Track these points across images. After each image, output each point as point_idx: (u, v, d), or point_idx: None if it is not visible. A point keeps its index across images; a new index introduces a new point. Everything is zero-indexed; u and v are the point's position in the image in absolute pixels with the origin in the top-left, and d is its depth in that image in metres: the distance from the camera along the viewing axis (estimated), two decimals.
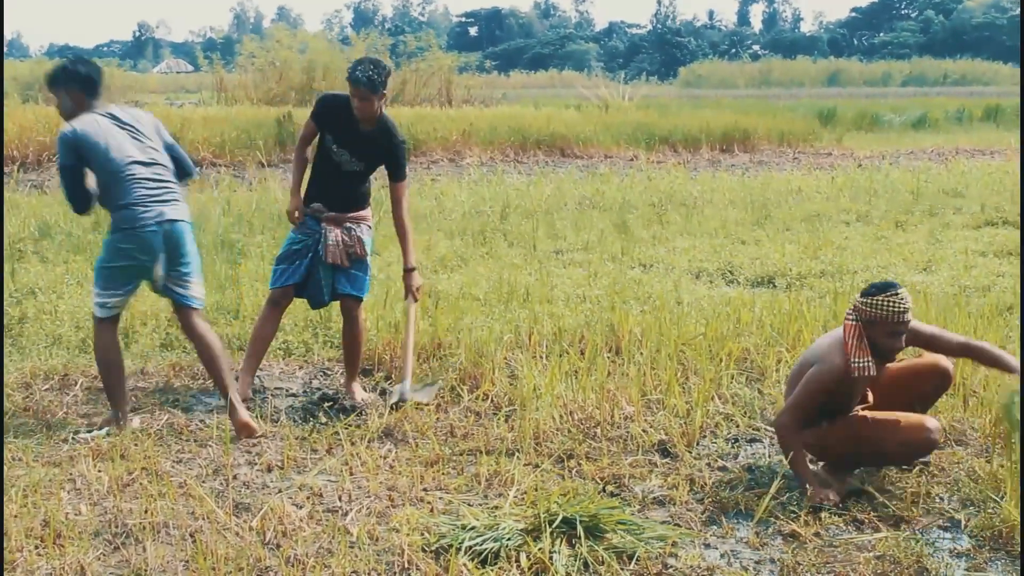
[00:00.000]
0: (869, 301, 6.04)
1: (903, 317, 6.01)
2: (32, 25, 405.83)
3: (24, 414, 7.34)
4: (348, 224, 7.79)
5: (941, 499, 6.05)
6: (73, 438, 6.87)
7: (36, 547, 5.24)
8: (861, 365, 6.06)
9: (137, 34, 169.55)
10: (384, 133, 7.75)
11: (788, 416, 6.19)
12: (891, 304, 5.99)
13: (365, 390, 8.02)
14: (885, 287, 6.05)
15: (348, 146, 7.66)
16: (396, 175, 7.91)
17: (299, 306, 8.87)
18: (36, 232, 13.48)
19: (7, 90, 43.56)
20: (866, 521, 5.78)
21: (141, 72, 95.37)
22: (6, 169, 21.88)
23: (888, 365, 6.35)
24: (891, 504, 5.92)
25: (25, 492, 5.84)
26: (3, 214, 13.62)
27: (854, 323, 6.10)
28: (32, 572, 5.02)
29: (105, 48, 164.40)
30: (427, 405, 7.59)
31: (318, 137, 7.79)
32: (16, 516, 5.51)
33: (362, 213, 7.92)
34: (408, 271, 8.03)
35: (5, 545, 5.20)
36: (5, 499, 5.72)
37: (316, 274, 7.76)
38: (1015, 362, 6.17)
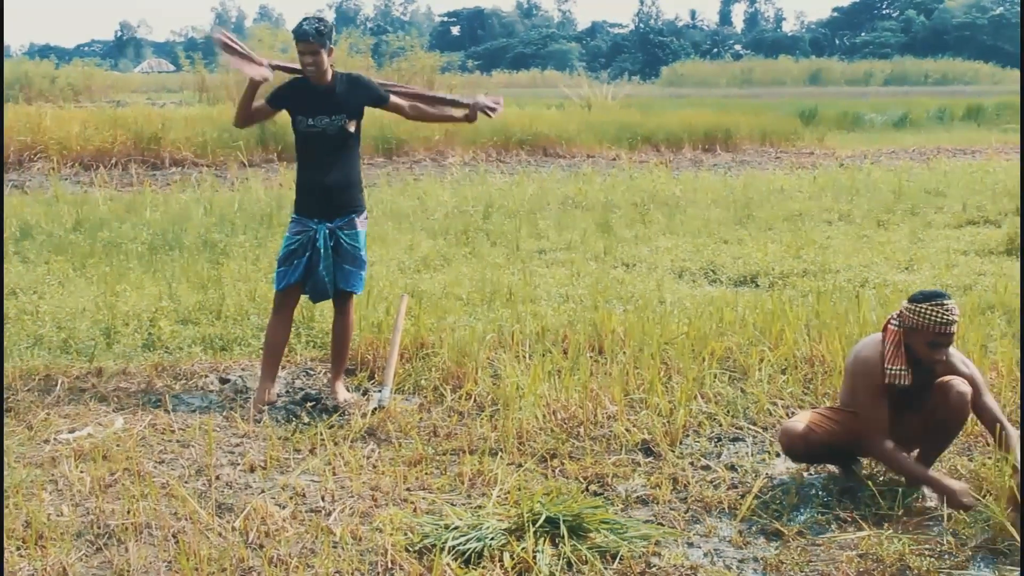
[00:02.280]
0: (913, 308, 5.92)
1: (946, 329, 5.88)
2: (13, 24, 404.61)
3: (5, 415, 7.31)
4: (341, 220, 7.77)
5: (923, 497, 6.06)
6: (55, 439, 6.85)
7: (18, 548, 5.22)
8: (895, 372, 5.96)
9: (119, 34, 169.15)
10: (351, 81, 7.79)
11: (869, 434, 6.04)
12: (935, 313, 5.86)
13: (348, 390, 8.00)
14: (933, 295, 5.93)
15: (320, 109, 7.63)
16: (382, 100, 7.94)
17: None
18: (17, 232, 13.45)
19: None
20: (849, 519, 5.79)
21: (123, 72, 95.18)
22: None
23: None
24: (873, 503, 5.94)
25: (7, 493, 5.82)
26: (3, 214, 13.58)
27: (896, 329, 6.00)
28: (14, 573, 5.00)
29: (86, 48, 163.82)
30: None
31: (294, 134, 7.76)
32: None
33: (358, 200, 7.88)
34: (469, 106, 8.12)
35: None
36: None
37: (317, 269, 7.72)
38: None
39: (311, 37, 7.48)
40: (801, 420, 6.28)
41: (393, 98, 7.99)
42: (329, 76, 7.65)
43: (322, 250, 7.68)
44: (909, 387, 6.00)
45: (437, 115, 8.29)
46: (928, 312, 5.87)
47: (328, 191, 7.71)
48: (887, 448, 5.98)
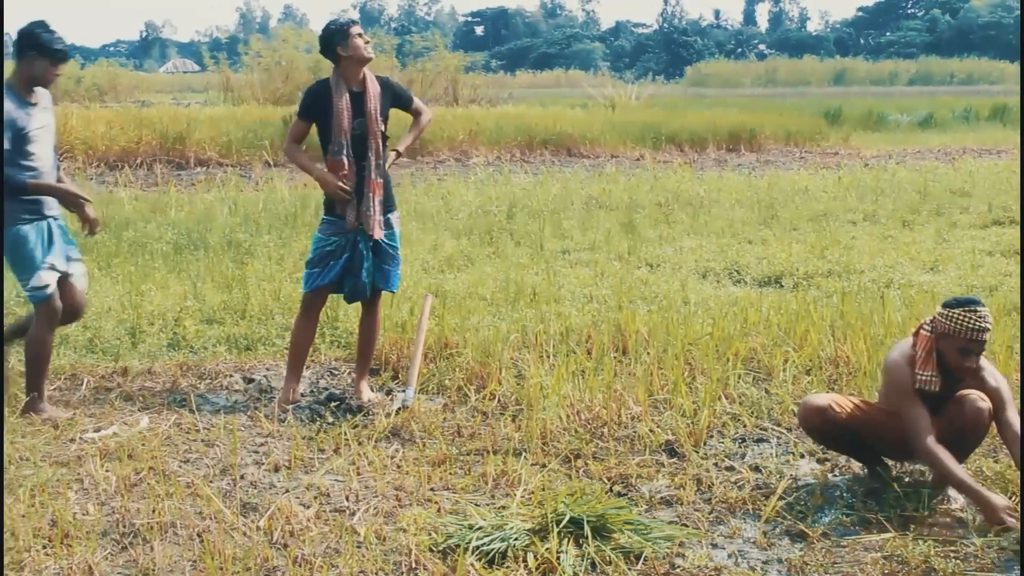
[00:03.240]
0: (946, 313, 5.87)
1: (978, 336, 5.82)
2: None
3: (32, 414, 7.34)
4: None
5: (948, 499, 6.04)
6: (81, 438, 6.87)
7: (44, 547, 5.25)
8: (924, 378, 5.91)
9: (143, 34, 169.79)
10: (381, 83, 7.81)
11: (912, 437, 5.92)
12: (967, 319, 5.80)
13: (372, 390, 8.01)
14: (966, 302, 5.87)
15: (354, 111, 7.64)
16: (409, 103, 8.03)
17: None
18: None
19: None
20: (873, 521, 5.77)
21: (147, 72, 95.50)
22: None
23: None
24: (899, 504, 5.92)
25: (33, 492, 5.84)
26: (2, 212, 13.58)
27: (928, 334, 5.95)
28: (40, 572, 5.02)
29: (111, 48, 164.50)
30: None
31: (321, 138, 7.74)
32: (24, 516, 5.51)
33: (393, 200, 7.89)
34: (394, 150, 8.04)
35: (13, 545, 5.20)
36: (13, 499, 5.73)
37: (359, 271, 7.70)
38: None
39: (358, 21, 7.69)
40: (824, 396, 6.27)
41: (416, 103, 8.06)
42: (362, 76, 7.67)
43: (364, 251, 7.68)
44: (937, 393, 5.95)
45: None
46: (961, 318, 5.82)
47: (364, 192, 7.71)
48: (932, 450, 5.83)
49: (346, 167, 7.59)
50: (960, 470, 5.82)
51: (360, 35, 7.61)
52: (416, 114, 8.08)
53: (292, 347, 7.91)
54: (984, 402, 5.91)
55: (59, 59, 7.29)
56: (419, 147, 26.31)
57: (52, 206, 7.34)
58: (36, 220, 7.22)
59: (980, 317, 5.81)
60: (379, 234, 7.70)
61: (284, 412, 7.47)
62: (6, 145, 7.03)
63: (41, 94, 7.39)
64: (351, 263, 7.67)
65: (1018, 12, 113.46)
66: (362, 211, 7.64)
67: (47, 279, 7.23)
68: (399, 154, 7.93)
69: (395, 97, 7.88)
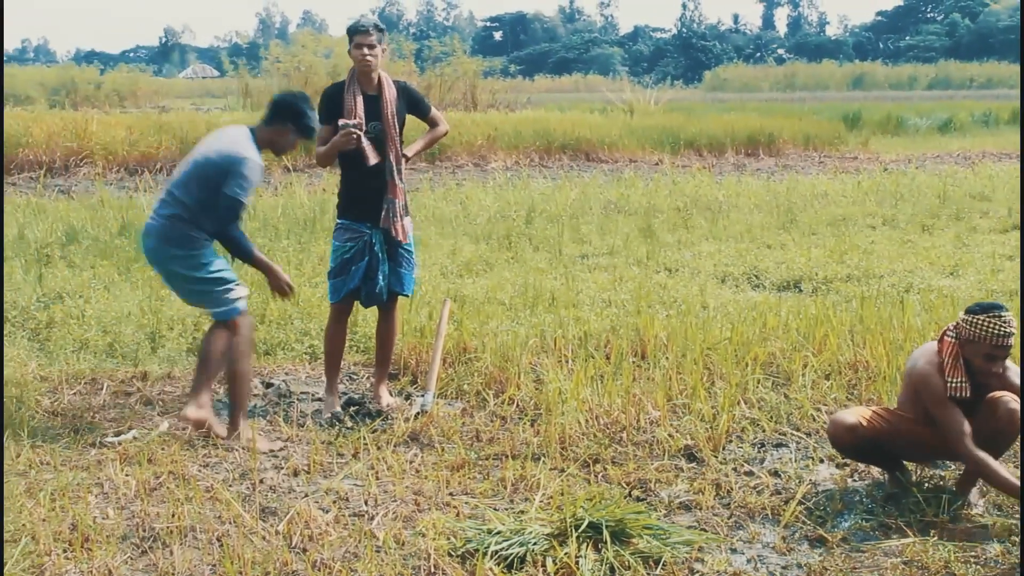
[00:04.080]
0: (971, 319, 5.84)
1: (1004, 341, 5.80)
2: (59, 31, 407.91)
3: (52, 418, 7.38)
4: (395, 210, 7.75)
5: (969, 504, 6.02)
6: (101, 442, 6.90)
7: (64, 551, 5.26)
8: (955, 385, 5.87)
9: (163, 40, 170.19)
10: (401, 89, 7.80)
11: (955, 443, 5.88)
12: (992, 325, 5.77)
13: (391, 394, 8.02)
14: (990, 307, 5.84)
15: (370, 114, 7.62)
16: (427, 111, 8.01)
17: (324, 311, 8.87)
18: (63, 237, 13.55)
19: (34, 95, 43.79)
20: (893, 526, 5.76)
21: (167, 77, 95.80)
22: (33, 174, 22.03)
23: None
24: (919, 509, 5.90)
25: (53, 496, 5.87)
26: (3, 214, 13.66)
27: (952, 340, 5.92)
28: (61, 575, 5.05)
29: (131, 54, 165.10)
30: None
31: None
32: (44, 520, 5.54)
33: (407, 204, 7.89)
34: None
35: (34, 549, 5.22)
36: (34, 503, 5.75)
37: (376, 274, 7.72)
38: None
39: (371, 29, 7.58)
40: (852, 413, 6.23)
41: (433, 112, 8.06)
42: (376, 80, 7.67)
43: (380, 254, 7.69)
44: (966, 399, 5.92)
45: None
46: (985, 324, 5.79)
47: (383, 195, 7.71)
48: (976, 454, 5.81)
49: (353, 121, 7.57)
50: (1005, 471, 5.81)
51: (360, 44, 7.57)
52: (432, 124, 8.07)
53: (327, 356, 7.90)
54: (1016, 402, 5.89)
55: (307, 137, 7.39)
56: (437, 152, 26.33)
57: None
58: (211, 240, 7.21)
59: (1005, 323, 5.79)
60: (404, 237, 7.72)
61: (331, 417, 7.54)
62: (246, 199, 7.09)
63: None
64: (370, 266, 7.68)
65: None
66: (387, 215, 7.66)
67: (244, 291, 7.27)
68: (407, 159, 7.89)
69: (412, 103, 7.87)
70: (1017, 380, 5.97)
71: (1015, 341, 5.95)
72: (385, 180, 7.68)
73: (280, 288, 7.32)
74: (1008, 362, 6.01)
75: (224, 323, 7.15)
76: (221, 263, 7.15)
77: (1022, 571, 5.23)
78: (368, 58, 7.56)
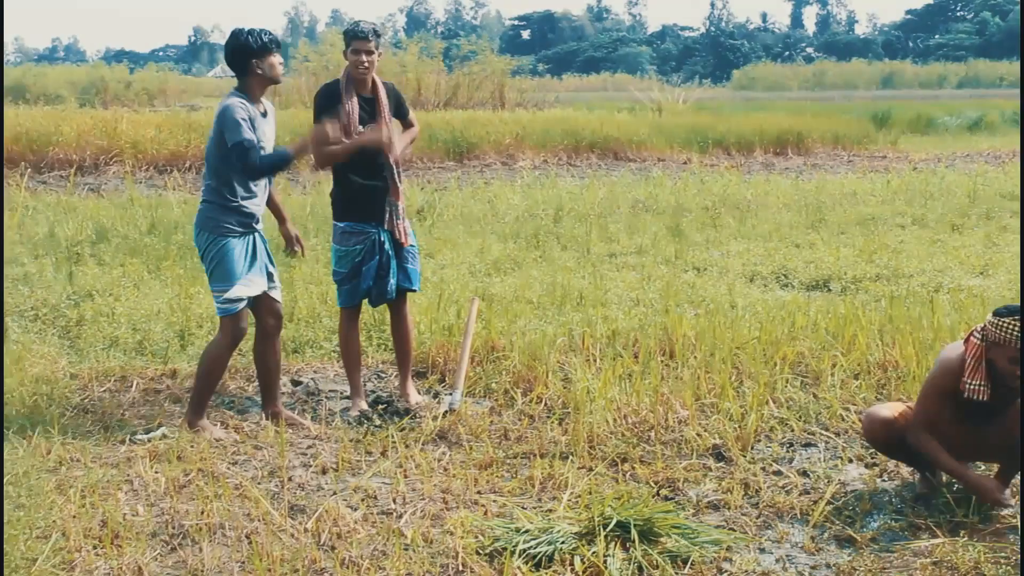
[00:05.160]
0: (996, 321, 5.72)
1: None
2: (89, 30, 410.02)
3: (82, 415, 7.41)
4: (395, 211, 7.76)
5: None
6: (131, 439, 6.93)
7: (94, 547, 5.29)
8: (972, 387, 5.80)
9: (192, 39, 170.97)
10: (388, 88, 7.83)
11: (914, 423, 5.99)
12: (1018, 328, 5.67)
13: (419, 392, 8.02)
14: (1018, 310, 5.71)
15: (370, 115, 7.63)
16: (405, 114, 7.98)
17: None
18: (93, 235, 13.61)
19: (65, 95, 44.03)
20: (923, 526, 5.74)
21: (196, 76, 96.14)
22: (63, 173, 22.13)
23: None
24: (948, 510, 5.88)
25: (83, 493, 5.90)
26: (2, 213, 13.71)
27: (978, 343, 5.81)
28: (91, 572, 5.07)
29: (161, 53, 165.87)
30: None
31: None
32: (75, 516, 5.56)
33: (403, 197, 7.89)
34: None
35: (64, 545, 5.25)
36: (65, 500, 5.78)
37: (387, 272, 7.72)
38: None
39: (369, 35, 7.59)
40: (887, 408, 6.21)
41: (411, 113, 8.09)
42: (370, 83, 7.69)
43: (390, 251, 7.69)
44: (988, 403, 5.85)
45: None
46: (1012, 327, 5.67)
47: (385, 194, 7.70)
48: (925, 439, 5.92)
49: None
50: (950, 459, 5.90)
51: (358, 50, 7.58)
52: (409, 124, 8.09)
53: (347, 361, 7.90)
54: None
55: (268, 50, 7.17)
56: (465, 150, 26.35)
57: (260, 219, 7.34)
58: (245, 233, 7.18)
59: None
60: (407, 240, 7.74)
61: (359, 415, 7.57)
62: (251, 136, 7.02)
63: (267, 105, 7.40)
64: (380, 266, 7.68)
65: None
66: (390, 218, 7.67)
67: (241, 293, 7.16)
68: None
69: (398, 104, 7.89)
70: None
71: None
72: (387, 181, 7.68)
73: (321, 138, 7.21)
74: None
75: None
76: (232, 259, 7.11)
77: (1022, 571, 5.20)
78: (366, 64, 7.60)
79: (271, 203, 7.58)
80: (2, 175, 19.09)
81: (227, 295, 7.13)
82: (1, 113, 20.94)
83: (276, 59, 7.20)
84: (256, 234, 7.28)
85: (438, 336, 8.89)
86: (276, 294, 7.47)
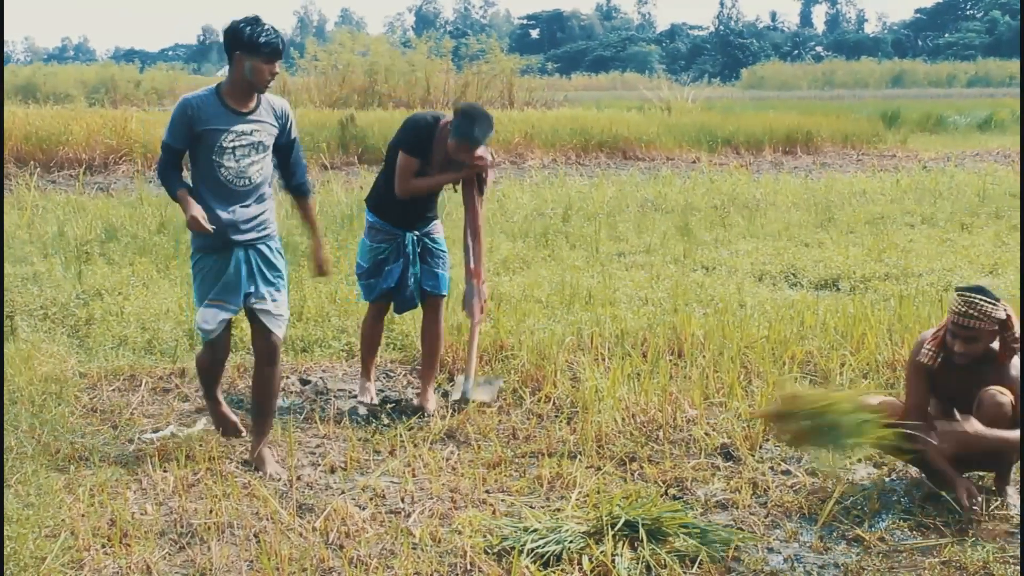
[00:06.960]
0: (954, 296, 5.97)
1: (960, 320, 5.85)
2: (98, 30, 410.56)
3: (91, 414, 7.42)
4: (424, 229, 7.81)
5: (1008, 504, 5.98)
6: (139, 438, 6.94)
7: (103, 546, 5.30)
8: (925, 351, 6.03)
9: (201, 38, 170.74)
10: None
11: (905, 407, 6.13)
12: (956, 304, 5.88)
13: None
14: (968, 289, 5.94)
15: (437, 168, 7.62)
16: (481, 189, 7.92)
17: (360, 309, 8.89)
18: (102, 234, 13.63)
19: (74, 94, 44.12)
20: (931, 526, 5.73)
21: (206, 75, 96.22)
22: (73, 172, 22.16)
23: None
24: (957, 509, 5.87)
25: (92, 492, 5.91)
26: (2, 212, 13.72)
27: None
28: (99, 571, 5.07)
29: (170, 52, 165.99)
30: (489, 405, 7.60)
31: (393, 151, 7.72)
32: (83, 515, 5.57)
33: (437, 224, 7.96)
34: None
35: (73, 544, 5.26)
36: (73, 499, 5.79)
37: (406, 279, 7.75)
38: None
39: (479, 144, 7.63)
40: (873, 398, 6.29)
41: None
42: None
43: (411, 255, 7.71)
44: (954, 384, 6.04)
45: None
46: (954, 303, 5.91)
47: (425, 203, 7.76)
48: (912, 429, 5.99)
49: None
50: (938, 455, 5.98)
51: (460, 148, 7.56)
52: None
53: (365, 343, 7.97)
54: (1004, 395, 5.91)
55: (260, 52, 6.23)
56: None
57: (250, 230, 6.45)
58: (220, 250, 6.39)
59: (968, 304, 5.84)
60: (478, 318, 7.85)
61: (366, 407, 7.63)
62: (171, 138, 6.62)
63: (263, 104, 6.47)
64: (403, 272, 7.69)
65: None
66: (467, 300, 7.84)
67: (208, 318, 6.39)
68: None
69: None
70: (1015, 373, 5.97)
71: (1017, 329, 5.93)
72: (435, 204, 7.84)
73: (192, 225, 6.24)
74: (1016, 359, 5.98)
75: None
76: (199, 280, 6.49)
77: (1022, 571, 5.19)
78: (459, 158, 7.58)
79: (306, 220, 6.97)
80: (1, 175, 19.12)
81: (196, 320, 6.48)
82: (1, 112, 20.94)
83: (265, 66, 6.22)
84: (243, 250, 6.45)
85: (446, 335, 8.88)
86: (269, 320, 6.50)
